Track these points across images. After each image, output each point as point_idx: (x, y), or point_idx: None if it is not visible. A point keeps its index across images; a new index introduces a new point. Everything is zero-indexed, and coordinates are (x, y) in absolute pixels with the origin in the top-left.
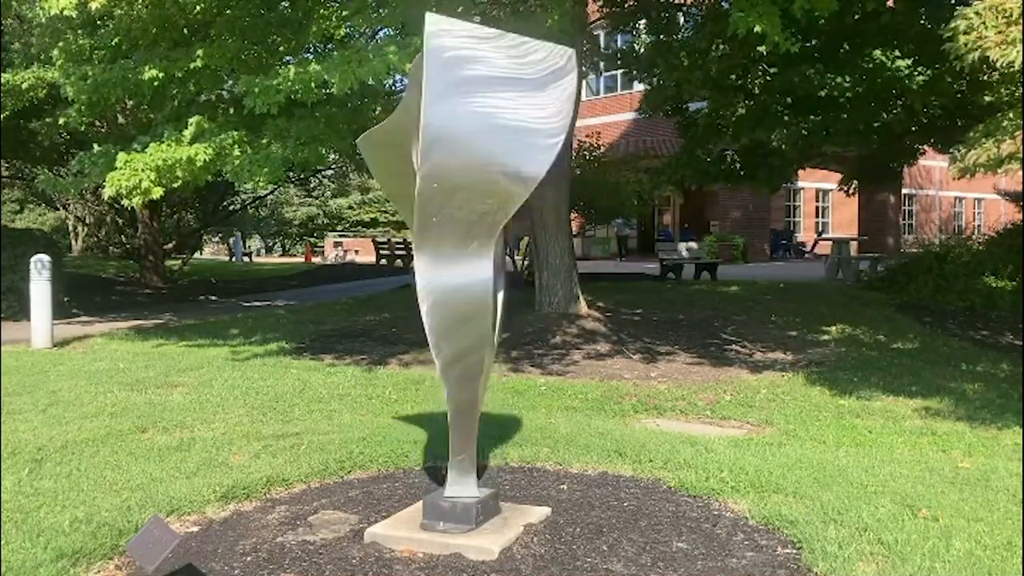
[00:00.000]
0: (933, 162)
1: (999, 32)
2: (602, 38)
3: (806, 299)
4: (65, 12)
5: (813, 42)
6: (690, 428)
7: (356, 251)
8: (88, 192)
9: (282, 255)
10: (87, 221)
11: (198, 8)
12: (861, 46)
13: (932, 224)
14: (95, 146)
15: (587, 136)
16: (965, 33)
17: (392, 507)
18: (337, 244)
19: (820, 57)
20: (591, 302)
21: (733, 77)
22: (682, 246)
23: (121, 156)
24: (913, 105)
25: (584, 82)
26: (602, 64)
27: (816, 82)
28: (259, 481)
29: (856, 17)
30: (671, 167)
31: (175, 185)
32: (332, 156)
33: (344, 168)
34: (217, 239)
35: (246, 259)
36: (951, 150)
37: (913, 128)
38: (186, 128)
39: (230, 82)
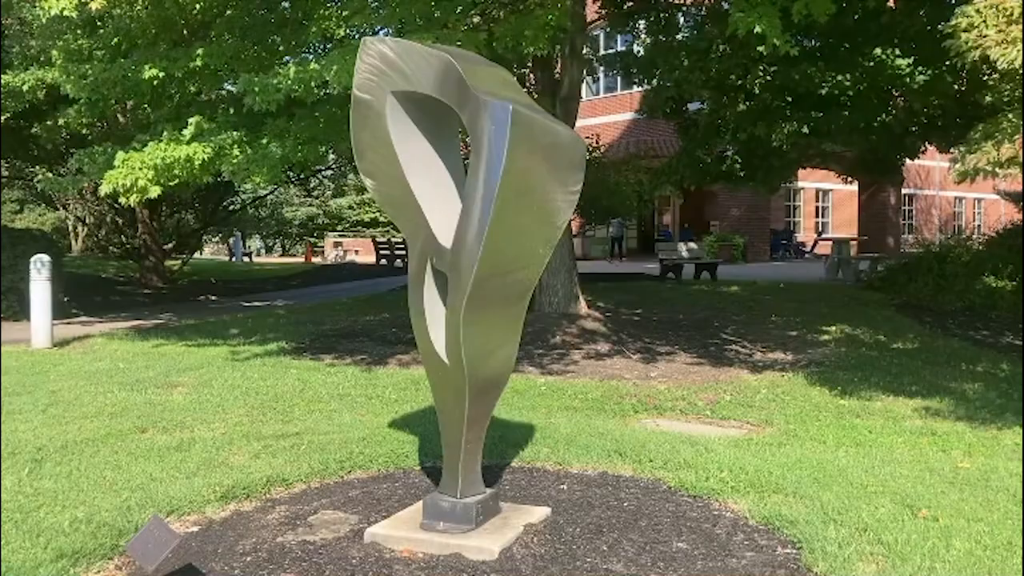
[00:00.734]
0: (933, 162)
1: (1000, 31)
2: (602, 39)
3: (806, 299)
4: (65, 13)
5: (813, 42)
6: (690, 428)
7: (356, 251)
8: (88, 192)
9: (282, 255)
10: (87, 221)
11: (198, 8)
12: (861, 45)
13: (932, 224)
14: (95, 147)
15: (587, 138)
16: (965, 31)
17: (392, 507)
18: (337, 244)
19: (821, 56)
20: (591, 302)
21: (733, 77)
22: (682, 246)
23: (119, 155)
24: (913, 104)
25: (584, 82)
26: (601, 68)
27: (817, 80)
28: (259, 481)
29: (856, 16)
30: (671, 167)
31: (173, 184)
32: (331, 156)
33: (344, 168)
34: (217, 239)
35: (246, 259)
36: (952, 150)
37: (913, 127)
38: (186, 127)
39: (229, 82)
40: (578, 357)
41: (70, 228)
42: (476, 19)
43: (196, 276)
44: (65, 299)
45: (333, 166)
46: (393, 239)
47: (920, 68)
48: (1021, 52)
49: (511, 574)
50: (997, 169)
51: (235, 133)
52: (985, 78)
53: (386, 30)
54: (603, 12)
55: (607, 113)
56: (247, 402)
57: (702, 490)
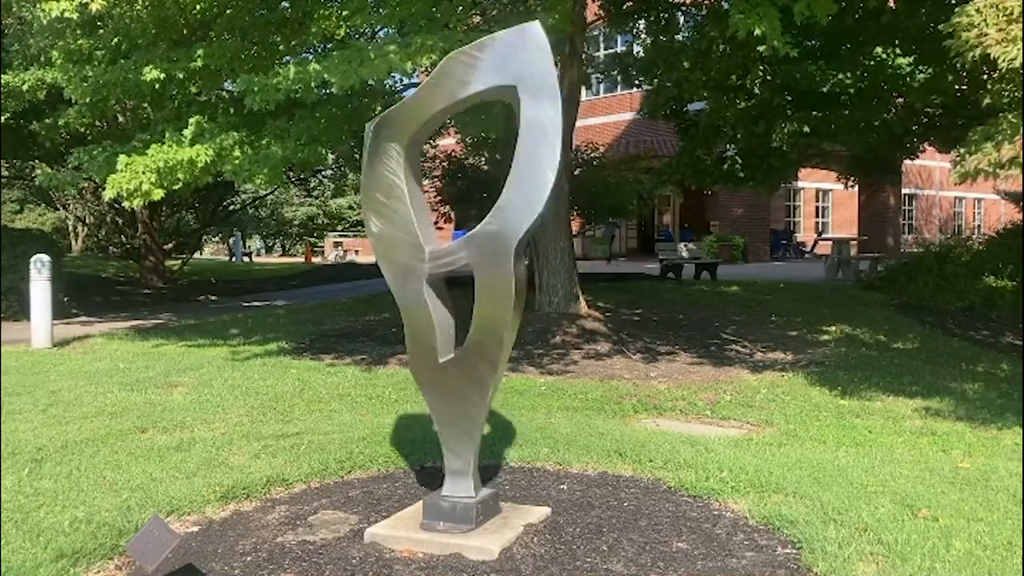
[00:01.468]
0: (933, 162)
1: (1000, 30)
2: (601, 40)
3: (806, 299)
4: (66, 14)
5: (814, 42)
6: (690, 428)
7: (356, 251)
8: (88, 192)
9: (282, 255)
10: (87, 221)
11: (198, 8)
12: (862, 44)
13: (932, 224)
14: (95, 146)
15: (586, 144)
16: (966, 31)
17: (392, 507)
18: (337, 244)
19: (821, 55)
20: (591, 302)
21: (733, 77)
22: (682, 246)
23: (122, 158)
24: (914, 103)
25: (583, 83)
26: (602, 67)
27: (818, 78)
28: (259, 481)
29: (857, 16)
30: (671, 168)
31: (176, 187)
32: (331, 156)
33: (343, 169)
34: (217, 239)
35: (246, 259)
36: (952, 150)
37: (914, 126)
38: (186, 128)
39: (229, 82)
40: (578, 357)
41: (70, 228)
42: (476, 19)
43: (196, 276)
44: (65, 299)
45: (333, 166)
46: None
47: (921, 67)
48: (1021, 51)
49: (511, 574)
50: (997, 170)
51: (235, 134)
52: (985, 78)
53: (386, 30)
54: (603, 12)
55: (607, 113)
56: (247, 402)
57: (702, 490)
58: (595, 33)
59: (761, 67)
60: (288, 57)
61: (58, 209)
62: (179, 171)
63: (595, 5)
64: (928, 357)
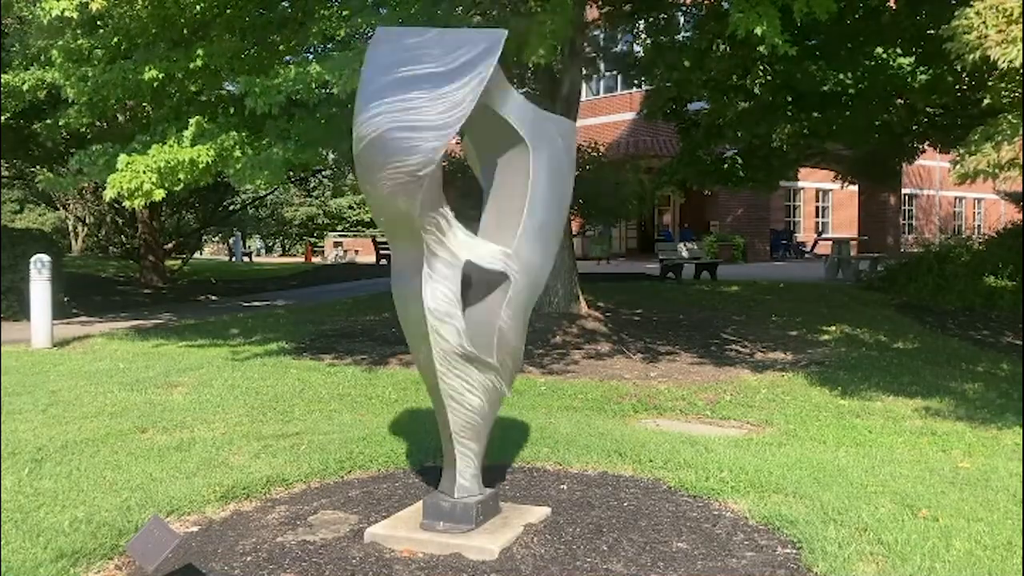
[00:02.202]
0: (933, 162)
1: (1000, 31)
2: (601, 40)
3: (806, 299)
4: (66, 14)
5: (814, 41)
6: (690, 428)
7: (356, 251)
8: (88, 192)
9: (282, 255)
10: (87, 221)
11: (198, 8)
12: (862, 44)
13: (932, 224)
14: (95, 147)
15: (588, 146)
16: (966, 32)
17: (392, 507)
18: (337, 244)
19: (822, 55)
20: (591, 302)
21: (734, 77)
22: (682, 246)
23: (123, 158)
24: (914, 104)
25: (584, 82)
26: (602, 66)
27: (818, 78)
28: (259, 481)
29: (857, 15)
30: (672, 168)
31: (177, 188)
32: (331, 156)
33: (343, 168)
34: (217, 239)
35: (246, 259)
36: (953, 149)
37: (914, 126)
38: (186, 128)
39: (230, 82)
40: (578, 357)
41: (70, 228)
42: (476, 19)
43: (196, 276)
44: (65, 299)
45: (333, 166)
46: None
47: (921, 67)
48: (1021, 52)
49: (511, 574)
50: (997, 171)
51: (236, 134)
52: (986, 78)
53: None
54: (602, 12)
55: (607, 113)
56: (247, 402)
57: (702, 490)
58: (595, 33)
59: (761, 67)
60: (288, 57)
61: (58, 209)
62: (180, 171)
63: (595, 4)
64: (928, 357)
